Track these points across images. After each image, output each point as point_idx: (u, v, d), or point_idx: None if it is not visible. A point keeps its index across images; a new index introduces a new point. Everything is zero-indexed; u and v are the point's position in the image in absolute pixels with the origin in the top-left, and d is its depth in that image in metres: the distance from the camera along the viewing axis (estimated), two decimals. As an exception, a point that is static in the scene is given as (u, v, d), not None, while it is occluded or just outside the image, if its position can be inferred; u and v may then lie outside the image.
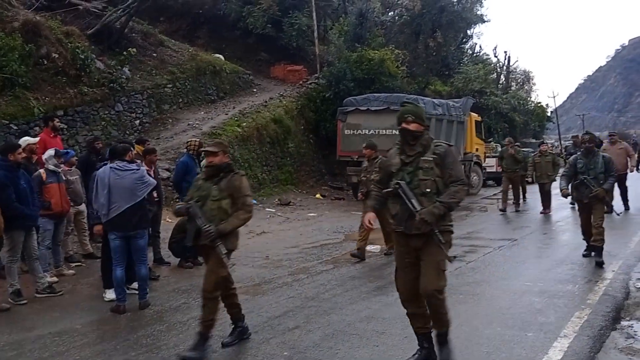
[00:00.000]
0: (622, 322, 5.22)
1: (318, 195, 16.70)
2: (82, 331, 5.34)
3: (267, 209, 13.75)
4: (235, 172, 4.72)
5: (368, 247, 8.72)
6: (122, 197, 5.80)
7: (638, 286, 6.35)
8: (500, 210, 13.56)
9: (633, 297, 5.97)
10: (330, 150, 18.08)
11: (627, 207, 12.62)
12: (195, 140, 8.96)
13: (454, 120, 16.97)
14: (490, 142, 22.34)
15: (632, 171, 13.15)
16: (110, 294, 6.25)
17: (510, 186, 13.84)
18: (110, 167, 5.94)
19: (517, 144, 15.34)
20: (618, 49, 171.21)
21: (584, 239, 7.95)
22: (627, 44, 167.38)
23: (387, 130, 14.99)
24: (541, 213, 13.02)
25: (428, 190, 3.90)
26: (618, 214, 8.31)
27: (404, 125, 3.98)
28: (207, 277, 4.66)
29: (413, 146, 3.97)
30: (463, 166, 17.66)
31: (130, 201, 5.77)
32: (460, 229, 11.22)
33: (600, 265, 7.32)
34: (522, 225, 11.68)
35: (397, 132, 14.74)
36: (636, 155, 14.15)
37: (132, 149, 6.15)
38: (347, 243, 9.81)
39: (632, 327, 5.07)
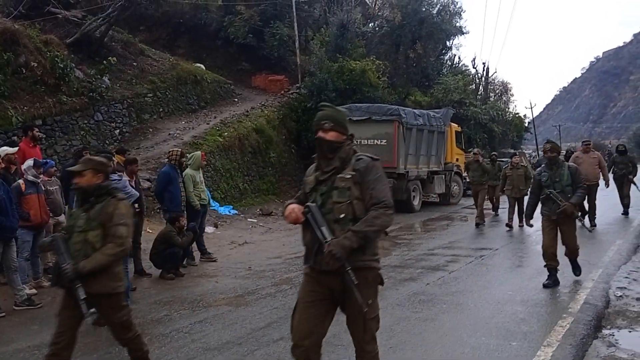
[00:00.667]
0: (603, 331, 5.28)
1: (300, 205, 16.66)
2: (61, 345, 5.22)
3: (249, 219, 13.70)
4: (113, 196, 3.87)
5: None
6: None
7: (618, 295, 6.45)
8: (477, 224, 12.73)
9: (613, 306, 6.05)
10: (312, 160, 18.07)
11: (593, 224, 11.69)
12: (177, 150, 8.92)
13: (434, 131, 17.14)
14: (470, 152, 22.57)
15: (607, 186, 12.57)
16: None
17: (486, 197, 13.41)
18: (92, 178, 5.85)
19: (494, 153, 15.39)
20: (592, 61, 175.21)
21: (545, 265, 6.95)
22: (601, 56, 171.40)
23: (369, 140, 15.11)
24: (507, 227, 12.20)
25: (342, 215, 3.11)
26: (590, 230, 7.57)
27: (320, 134, 3.22)
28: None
29: (330, 160, 3.20)
30: (443, 176, 17.82)
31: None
32: (442, 238, 11.34)
33: (578, 274, 7.09)
34: (502, 234, 11.81)
35: (381, 143, 14.77)
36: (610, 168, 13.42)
37: (112, 159, 6.05)
38: (330, 253, 9.78)
39: (614, 335, 5.14)
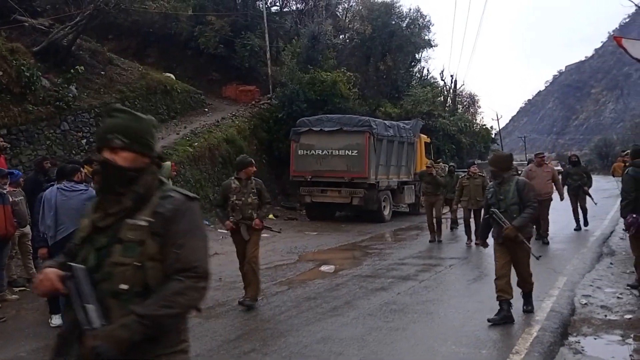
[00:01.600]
0: (569, 338, 5.41)
1: (271, 216, 16.61)
2: (27, 359, 5.11)
3: (219, 230, 13.56)
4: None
5: (322, 268, 8.74)
6: (69, 219, 5.60)
7: (583, 302, 6.62)
8: (431, 241, 12.05)
9: (579, 314, 6.21)
10: (283, 170, 18.09)
11: (545, 241, 11.01)
12: None
13: (404, 142, 17.36)
14: (439, 162, 22.91)
15: (562, 199, 12.11)
16: (56, 320, 6.01)
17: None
18: (58, 188, 5.76)
19: (451, 164, 15.48)
20: (556, 75, 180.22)
21: (497, 298, 5.88)
22: (564, 70, 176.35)
23: (340, 151, 15.20)
24: (467, 244, 11.51)
25: (125, 286, 1.94)
26: (537, 258, 6.16)
27: (105, 154, 2.10)
28: None
29: (119, 196, 2.06)
30: (413, 187, 18.02)
31: (77, 223, 5.57)
32: (412, 248, 11.46)
33: (530, 311, 6.09)
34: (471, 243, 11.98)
35: (352, 153, 14.90)
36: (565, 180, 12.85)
37: (81, 169, 5.95)
38: (301, 264, 9.80)
39: (579, 342, 5.27)
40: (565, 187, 12.62)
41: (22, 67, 13.00)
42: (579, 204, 12.75)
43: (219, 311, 6.70)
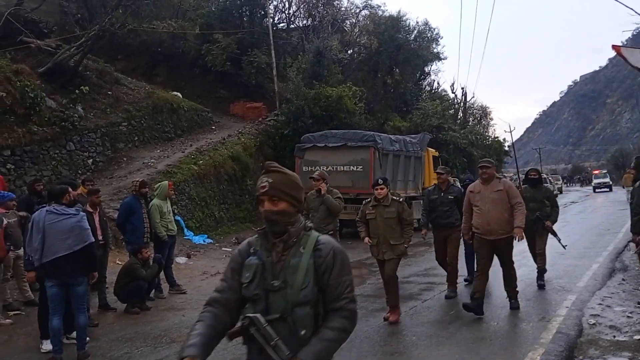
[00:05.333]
0: (575, 361, 5.15)
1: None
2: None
3: (224, 249, 13.44)
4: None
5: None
6: (57, 242, 5.49)
7: (591, 323, 6.33)
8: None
9: (586, 335, 5.93)
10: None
11: (514, 305, 7.00)
12: (137, 180, 8.75)
13: (411, 156, 17.14)
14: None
15: (518, 239, 6.73)
16: (47, 345, 5.92)
17: None
18: (47, 210, 5.65)
19: (467, 177, 15.09)
20: (570, 85, 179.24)
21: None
22: (578, 80, 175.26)
23: (345, 167, 15.03)
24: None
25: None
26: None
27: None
28: None
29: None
30: (421, 202, 17.74)
31: (65, 247, 5.47)
32: (419, 265, 11.20)
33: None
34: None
35: (357, 169, 14.05)
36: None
37: (69, 190, 5.84)
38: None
39: (584, 366, 5.00)
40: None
41: (26, 88, 13.08)
42: (536, 246, 8.44)
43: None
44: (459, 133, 30.71)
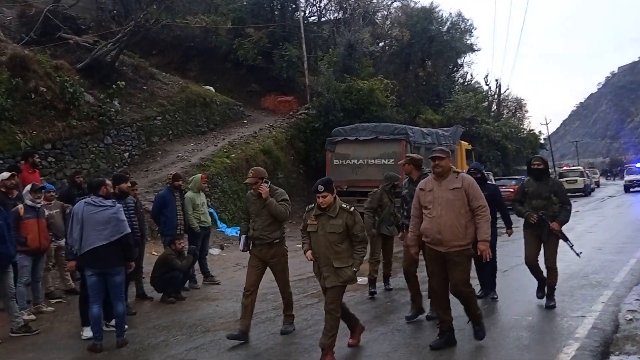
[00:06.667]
0: (611, 357, 5.07)
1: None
2: (54, 373, 5.16)
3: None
4: None
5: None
6: (94, 233, 5.66)
7: (628, 318, 6.21)
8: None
9: (622, 330, 5.82)
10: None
11: (479, 334, 5.62)
12: (171, 173, 8.94)
13: (444, 149, 16.99)
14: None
15: (483, 256, 5.24)
16: (87, 332, 6.10)
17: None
18: (85, 202, 5.83)
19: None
20: (608, 76, 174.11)
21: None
22: (616, 71, 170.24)
23: (377, 160, 15.00)
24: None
25: None
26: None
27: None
28: None
29: None
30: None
31: (102, 237, 5.63)
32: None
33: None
34: (511, 254, 11.52)
35: (388, 162, 13.86)
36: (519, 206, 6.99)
37: (106, 183, 6.01)
38: (335, 275, 9.63)
39: (621, 362, 4.92)
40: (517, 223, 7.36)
41: (65, 84, 13.47)
42: (545, 257, 6.81)
43: (247, 324, 6.62)
44: (492, 126, 30.24)
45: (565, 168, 43.03)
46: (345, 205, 5.16)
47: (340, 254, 5.05)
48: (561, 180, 36.08)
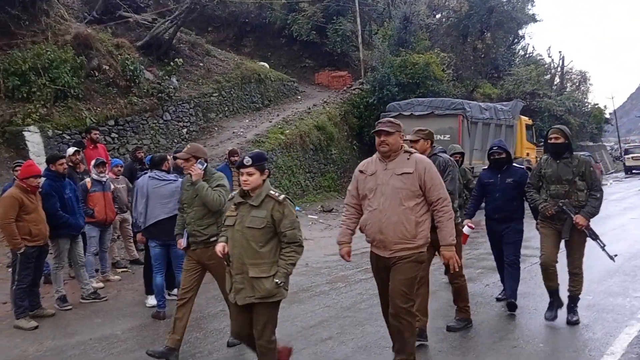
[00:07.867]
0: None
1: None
2: (122, 337, 5.44)
3: (310, 216, 13.76)
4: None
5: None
6: (158, 206, 5.88)
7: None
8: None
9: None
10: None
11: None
12: (227, 149, 9.14)
13: (502, 124, 16.54)
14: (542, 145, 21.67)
15: (451, 269, 4.28)
16: (151, 300, 6.37)
17: None
18: (149, 176, 6.06)
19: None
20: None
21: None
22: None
23: (432, 136, 14.78)
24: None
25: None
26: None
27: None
28: None
29: None
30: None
31: (166, 210, 5.84)
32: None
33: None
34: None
35: (444, 138, 13.53)
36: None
37: (168, 158, 6.22)
38: (388, 251, 9.65)
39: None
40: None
41: (126, 61, 13.88)
42: (566, 255, 5.53)
43: (303, 297, 6.78)
44: (555, 100, 29.09)
45: (631, 144, 41.01)
46: (274, 192, 3.76)
47: (259, 259, 3.66)
48: (627, 156, 34.35)
